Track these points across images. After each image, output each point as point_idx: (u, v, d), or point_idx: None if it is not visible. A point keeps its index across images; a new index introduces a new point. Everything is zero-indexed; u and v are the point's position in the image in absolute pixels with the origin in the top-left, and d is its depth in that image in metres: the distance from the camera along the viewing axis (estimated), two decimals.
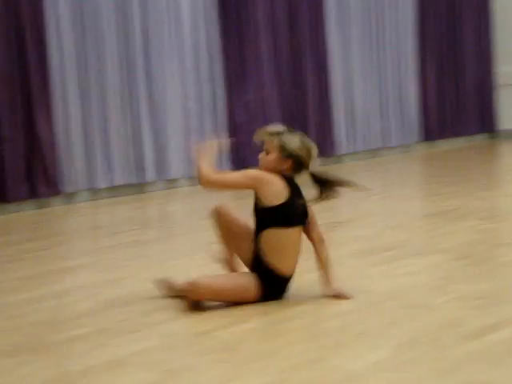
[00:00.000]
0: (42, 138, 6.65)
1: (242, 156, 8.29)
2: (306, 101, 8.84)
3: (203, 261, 4.26)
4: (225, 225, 3.43)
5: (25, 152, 6.62)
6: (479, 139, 11.09)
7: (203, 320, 3.11)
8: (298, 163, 3.29)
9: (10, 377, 2.58)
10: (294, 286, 3.40)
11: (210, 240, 4.95)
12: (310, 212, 3.33)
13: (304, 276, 3.57)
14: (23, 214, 6.51)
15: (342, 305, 3.22)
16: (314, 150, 3.33)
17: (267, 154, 3.31)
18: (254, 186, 3.23)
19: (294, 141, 3.31)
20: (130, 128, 7.38)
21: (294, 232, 3.26)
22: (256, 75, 8.34)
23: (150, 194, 7.47)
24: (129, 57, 7.37)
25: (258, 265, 3.25)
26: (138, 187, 7.50)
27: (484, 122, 11.12)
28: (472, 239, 4.37)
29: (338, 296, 3.27)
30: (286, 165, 3.28)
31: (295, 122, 8.80)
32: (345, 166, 9.20)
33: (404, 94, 10.05)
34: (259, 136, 3.35)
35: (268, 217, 3.22)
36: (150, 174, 7.52)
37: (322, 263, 3.35)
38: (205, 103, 7.94)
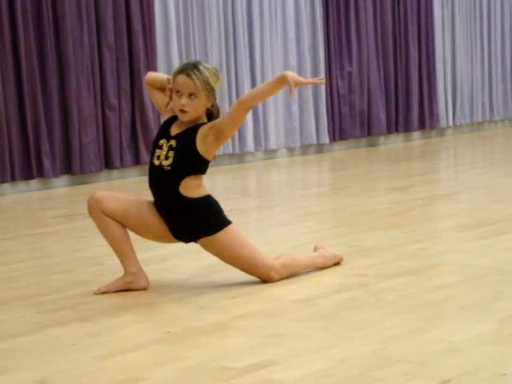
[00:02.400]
0: (146, 107, 6.77)
1: (341, 127, 8.24)
2: (408, 73, 8.70)
3: (302, 230, 4.28)
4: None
5: (130, 120, 6.76)
6: None
7: (301, 288, 3.12)
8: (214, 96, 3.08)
9: (113, 336, 2.66)
10: (386, 258, 3.36)
11: (307, 210, 4.97)
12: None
13: (408, 247, 3.52)
14: (126, 181, 6.66)
15: (445, 277, 3.17)
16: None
17: (190, 96, 3.03)
18: None
19: (203, 72, 3.04)
20: (231, 98, 7.42)
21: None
22: (358, 46, 8.25)
23: (249, 164, 7.52)
24: (231, 26, 7.40)
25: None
26: (238, 157, 7.56)
27: None
28: None
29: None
30: (208, 106, 3.09)
31: (397, 94, 8.67)
32: (447, 139, 9.03)
33: (509, 67, 9.77)
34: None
35: None
36: (250, 144, 7.56)
37: (254, 92, 3.10)
38: (306, 74, 7.91)
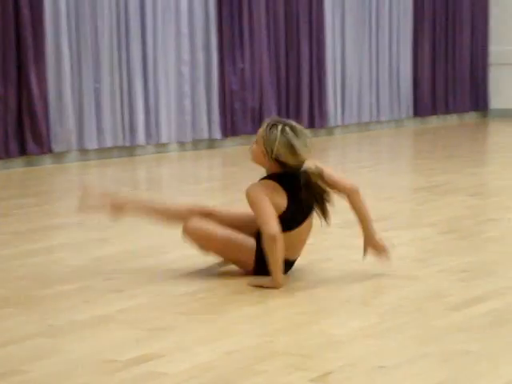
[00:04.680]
0: (33, 96, 6.61)
1: (233, 123, 8.27)
2: (299, 71, 8.82)
3: None
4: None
5: (16, 109, 6.58)
6: (470, 117, 11.10)
7: (189, 281, 3.13)
8: (280, 161, 3.04)
9: None
10: None
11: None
12: (324, 178, 3.08)
13: None
14: (12, 172, 6.49)
15: (328, 272, 3.24)
16: (299, 146, 3.02)
17: (256, 143, 3.12)
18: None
19: (273, 133, 3.03)
20: (122, 90, 7.34)
21: (302, 227, 3.10)
22: (251, 43, 8.30)
23: (139, 157, 7.46)
24: (123, 17, 7.31)
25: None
26: (128, 150, 7.48)
27: (476, 100, 11.12)
28: (459, 214, 4.40)
29: (379, 249, 3.12)
30: (272, 163, 3.06)
31: (288, 92, 8.78)
32: (335, 138, 9.21)
33: (397, 69, 10.04)
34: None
35: None
36: (141, 137, 7.50)
37: (360, 215, 3.20)
38: (198, 69, 7.90)
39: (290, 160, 3.04)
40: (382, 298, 2.87)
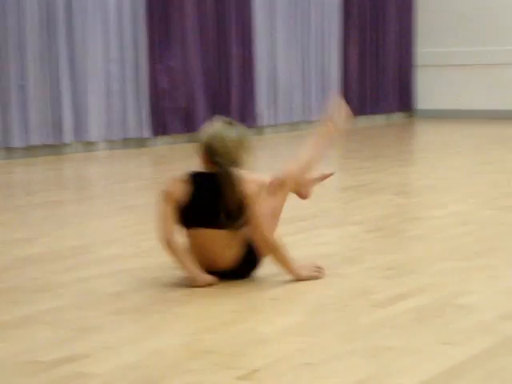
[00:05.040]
0: None
1: (163, 122, 8.24)
2: (229, 71, 8.83)
3: (120, 223, 4.25)
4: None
5: None
6: (397, 117, 11.30)
7: (116, 281, 3.10)
8: (210, 154, 2.95)
9: None
10: None
11: (125, 204, 4.93)
12: (243, 213, 2.94)
13: None
14: None
15: (258, 270, 3.24)
16: (230, 140, 2.94)
17: None
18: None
19: (212, 127, 2.98)
20: (49, 88, 7.23)
21: (199, 233, 2.98)
22: (180, 42, 8.28)
23: (67, 155, 7.36)
24: (50, 15, 7.21)
25: None
26: (55, 148, 7.37)
27: (403, 100, 11.33)
28: (385, 213, 4.47)
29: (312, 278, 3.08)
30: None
31: (218, 91, 8.78)
32: (266, 137, 9.25)
33: (326, 70, 10.14)
34: None
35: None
36: (68, 135, 7.40)
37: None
38: (127, 67, 7.84)
39: (218, 150, 2.95)
40: (308, 295, 2.90)
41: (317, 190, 5.32)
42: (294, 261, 3.06)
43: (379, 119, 10.97)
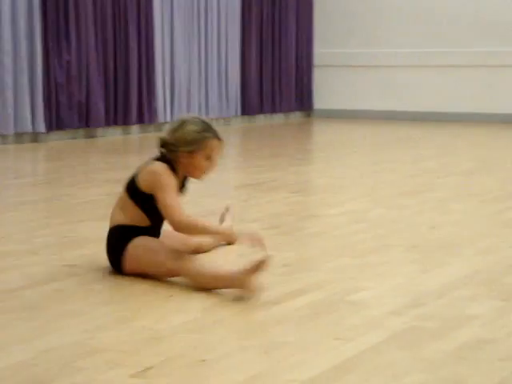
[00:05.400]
0: None
1: (58, 116, 8.08)
2: (128, 67, 8.74)
3: (13, 219, 4.14)
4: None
5: None
6: (296, 117, 11.43)
7: (9, 278, 3.02)
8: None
9: None
10: (98, 249, 3.36)
11: (19, 200, 4.81)
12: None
13: None
14: None
15: None
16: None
17: None
18: None
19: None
20: None
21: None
22: (77, 35, 8.13)
23: None
24: None
25: None
26: None
27: (301, 100, 11.47)
28: (282, 210, 4.51)
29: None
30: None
31: (116, 87, 8.67)
32: None
33: (225, 69, 10.16)
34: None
35: None
36: None
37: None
38: (21, 60, 7.64)
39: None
40: (204, 293, 2.89)
41: (215, 188, 5.34)
42: (218, 226, 3.13)
43: (278, 118, 11.08)
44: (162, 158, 3.10)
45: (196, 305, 2.76)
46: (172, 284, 2.99)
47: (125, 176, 5.70)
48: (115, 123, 8.70)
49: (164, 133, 3.13)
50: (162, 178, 3.02)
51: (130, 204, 3.08)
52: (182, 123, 3.10)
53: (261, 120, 10.75)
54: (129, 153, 7.69)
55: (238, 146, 8.75)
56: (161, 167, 3.05)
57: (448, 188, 5.31)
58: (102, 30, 8.41)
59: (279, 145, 8.31)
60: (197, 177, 3.15)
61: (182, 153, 3.06)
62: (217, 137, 3.10)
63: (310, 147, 8.69)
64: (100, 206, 4.65)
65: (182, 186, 3.18)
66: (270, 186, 5.36)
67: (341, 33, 11.46)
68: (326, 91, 11.64)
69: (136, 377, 2.11)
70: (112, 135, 8.73)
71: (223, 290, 2.89)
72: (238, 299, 2.81)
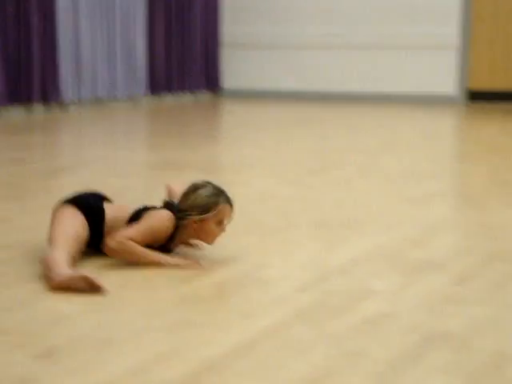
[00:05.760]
0: None
1: None
2: (30, 44, 8.52)
3: None
4: None
5: None
6: (203, 96, 11.40)
7: None
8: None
9: None
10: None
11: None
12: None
13: (24, 220, 3.44)
14: None
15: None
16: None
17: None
18: None
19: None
20: None
21: None
22: None
23: None
24: None
25: None
26: None
27: (209, 79, 11.44)
28: None
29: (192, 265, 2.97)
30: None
31: (19, 65, 8.46)
32: (71, 114, 9.03)
33: (132, 46, 10.04)
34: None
35: None
36: None
37: None
38: None
39: None
40: (111, 272, 2.87)
41: (123, 168, 5.29)
42: (153, 253, 2.97)
43: (186, 98, 11.03)
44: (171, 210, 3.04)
45: (104, 285, 2.73)
46: (79, 265, 2.95)
47: (28, 155, 5.60)
48: (17, 101, 8.49)
49: (176, 200, 3.09)
50: (158, 220, 2.98)
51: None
52: (194, 188, 3.06)
53: (169, 99, 10.68)
54: (31, 133, 7.53)
55: (146, 125, 8.67)
56: (166, 214, 3.00)
57: (352, 166, 5.40)
58: (1, 5, 8.17)
59: (187, 124, 8.27)
60: (209, 242, 3.06)
61: (194, 218, 3.00)
62: (228, 202, 3.04)
63: (219, 126, 8.69)
64: (1, 186, 4.54)
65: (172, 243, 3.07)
66: (177, 165, 5.34)
67: (250, 11, 11.46)
68: (235, 70, 11.64)
69: (40, 357, 2.08)
70: (15, 114, 8.52)
71: (131, 269, 2.87)
72: (145, 279, 2.80)
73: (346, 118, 9.12)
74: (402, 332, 2.33)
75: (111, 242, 2.92)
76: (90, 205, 3.04)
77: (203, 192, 3.05)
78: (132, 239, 2.93)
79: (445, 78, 10.89)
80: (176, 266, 2.94)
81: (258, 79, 11.54)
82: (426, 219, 3.81)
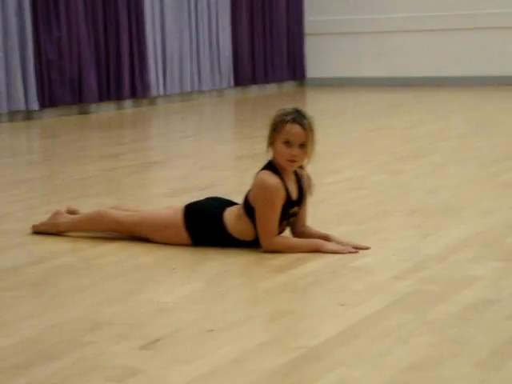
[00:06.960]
0: None
1: (51, 93, 8.04)
2: (119, 41, 8.68)
3: (11, 198, 4.15)
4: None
5: None
6: (288, 86, 11.39)
7: (11, 256, 3.03)
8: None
9: None
10: None
11: (16, 178, 4.81)
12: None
13: None
14: None
15: (152, 242, 3.22)
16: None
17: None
18: None
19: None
20: None
21: None
22: (66, 10, 8.07)
23: None
24: None
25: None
26: None
27: (293, 69, 11.41)
28: None
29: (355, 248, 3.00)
30: None
31: (108, 62, 8.63)
32: (158, 107, 9.17)
33: (216, 39, 10.10)
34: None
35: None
36: None
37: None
38: (11, 37, 7.58)
39: None
40: (208, 264, 2.90)
41: (213, 160, 5.33)
42: (311, 242, 3.02)
43: (271, 88, 11.04)
44: (267, 165, 3.05)
45: (200, 276, 2.77)
46: (174, 257, 3.00)
47: (120, 151, 5.71)
48: (108, 98, 8.67)
49: None
50: (268, 192, 2.97)
51: (243, 215, 3.04)
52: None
53: (254, 91, 10.71)
54: (123, 128, 7.68)
55: (232, 117, 8.73)
56: (265, 176, 3.00)
57: (444, 152, 5.32)
58: (91, 4, 8.34)
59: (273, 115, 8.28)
60: (284, 165, 3.01)
61: (271, 143, 3.03)
62: (296, 121, 3.01)
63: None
64: (97, 181, 4.65)
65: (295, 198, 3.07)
66: (266, 157, 5.35)
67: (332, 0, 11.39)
68: (319, 59, 11.59)
69: (146, 348, 2.12)
70: (105, 110, 8.70)
71: (229, 259, 2.90)
72: (242, 269, 2.83)
73: (431, 102, 8.97)
74: (505, 319, 2.28)
75: (265, 247, 2.98)
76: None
77: (276, 113, 3.07)
78: (272, 233, 2.96)
79: None
80: (334, 251, 2.96)
81: (342, 67, 11.46)
82: None
